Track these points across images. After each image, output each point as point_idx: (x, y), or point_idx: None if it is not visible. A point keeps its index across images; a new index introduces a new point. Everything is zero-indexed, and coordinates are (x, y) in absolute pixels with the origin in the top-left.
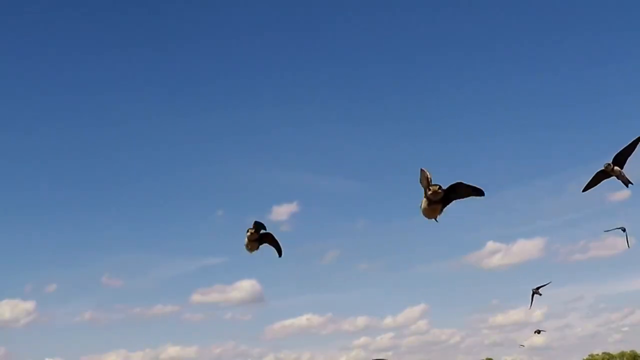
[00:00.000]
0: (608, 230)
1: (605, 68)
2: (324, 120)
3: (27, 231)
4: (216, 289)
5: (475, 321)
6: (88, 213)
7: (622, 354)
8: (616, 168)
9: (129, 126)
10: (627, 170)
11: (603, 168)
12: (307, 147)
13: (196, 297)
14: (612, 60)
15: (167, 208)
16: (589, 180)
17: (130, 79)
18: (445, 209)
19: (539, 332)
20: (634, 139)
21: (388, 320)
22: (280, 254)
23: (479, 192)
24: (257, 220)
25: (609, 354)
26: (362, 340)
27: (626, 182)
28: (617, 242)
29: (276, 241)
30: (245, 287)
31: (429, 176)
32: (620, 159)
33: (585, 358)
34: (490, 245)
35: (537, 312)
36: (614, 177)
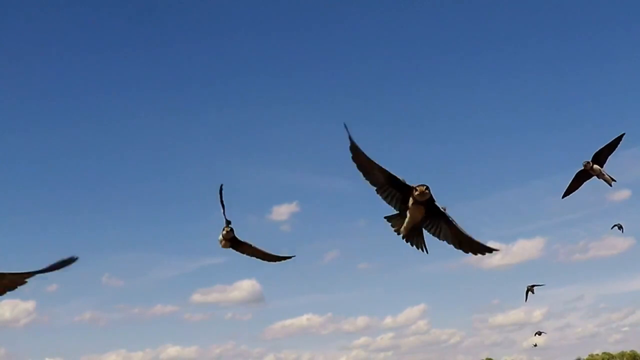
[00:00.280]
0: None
1: (606, 67)
2: (324, 120)
3: (28, 231)
4: (216, 289)
5: (475, 321)
6: (88, 213)
7: (622, 354)
8: (596, 166)
9: (129, 126)
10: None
11: (582, 167)
12: (307, 147)
13: (196, 297)
14: (612, 59)
15: (167, 208)
16: (568, 184)
17: (130, 79)
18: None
19: (539, 333)
20: (615, 137)
21: (388, 320)
22: (276, 258)
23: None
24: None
25: (609, 354)
26: (362, 340)
27: (609, 181)
28: (617, 242)
29: (258, 250)
30: (245, 287)
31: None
32: (600, 157)
33: (585, 358)
34: (490, 245)
35: (537, 312)
36: (595, 177)
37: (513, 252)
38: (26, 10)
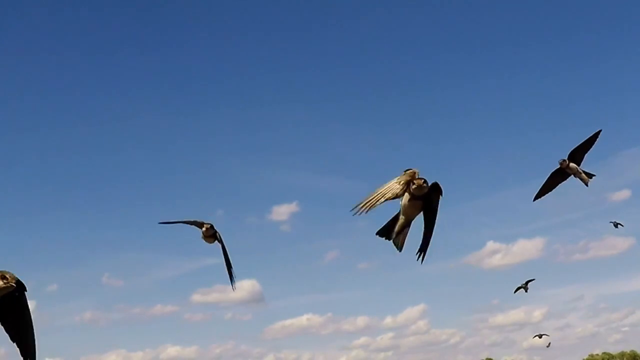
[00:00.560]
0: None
1: (607, 68)
2: (323, 120)
3: (27, 231)
4: (216, 289)
5: (475, 321)
6: (88, 213)
7: (622, 354)
8: (572, 165)
9: (129, 126)
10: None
11: (558, 166)
12: (307, 147)
13: (196, 297)
14: (613, 59)
15: (167, 208)
16: (542, 184)
17: (130, 79)
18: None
19: (540, 336)
20: (592, 134)
21: (388, 320)
22: (228, 269)
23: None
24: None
25: (609, 354)
26: (362, 340)
27: (585, 180)
28: (617, 242)
29: (226, 255)
30: (245, 287)
31: (415, 171)
32: (577, 155)
33: (585, 358)
34: (490, 245)
35: (537, 312)
36: (571, 177)
37: (513, 252)
38: (26, 10)
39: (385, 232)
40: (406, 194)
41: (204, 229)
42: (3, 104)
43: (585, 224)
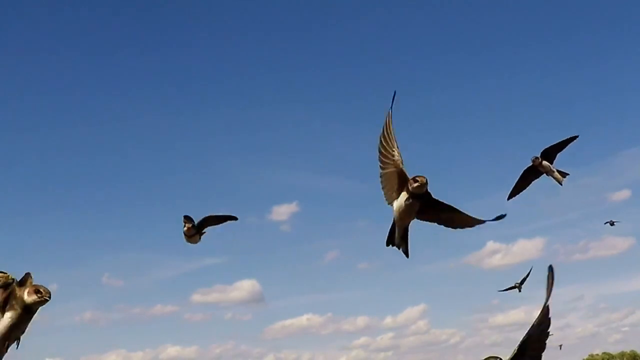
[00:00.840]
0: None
1: (606, 67)
2: (323, 120)
3: (27, 231)
4: (216, 289)
5: (475, 321)
6: (88, 213)
7: (622, 354)
8: (545, 163)
9: (128, 126)
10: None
11: (530, 163)
12: (307, 147)
13: (196, 297)
14: (612, 59)
15: (167, 208)
16: (515, 183)
17: (130, 78)
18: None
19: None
20: (568, 137)
21: (388, 320)
22: (230, 218)
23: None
24: (186, 215)
25: (609, 354)
26: (362, 340)
27: (559, 179)
28: (617, 242)
29: (218, 217)
30: (245, 287)
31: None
32: (550, 153)
33: (585, 358)
34: (490, 245)
35: (537, 312)
36: (545, 176)
37: (513, 252)
38: (26, 10)
39: (391, 239)
40: (403, 193)
41: (185, 228)
42: (3, 104)
43: (585, 224)
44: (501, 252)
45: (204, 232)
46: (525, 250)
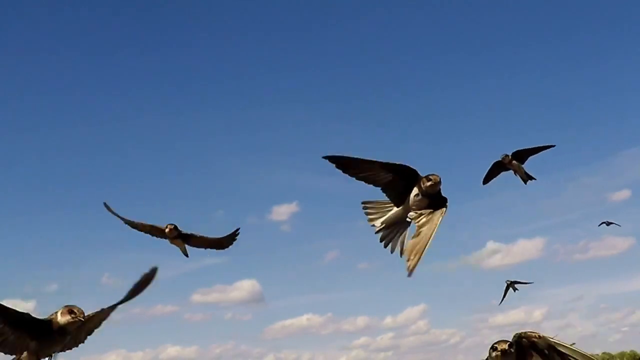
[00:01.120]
0: (602, 224)
1: (606, 67)
2: (324, 120)
3: (27, 231)
4: (216, 289)
5: (475, 321)
6: (88, 213)
7: (622, 354)
8: (515, 162)
9: (128, 125)
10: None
11: (500, 159)
12: (307, 147)
13: (196, 297)
14: (612, 59)
15: (167, 208)
16: (487, 172)
17: (129, 78)
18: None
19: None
20: (544, 145)
21: (388, 320)
22: (225, 241)
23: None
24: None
25: (609, 354)
26: (362, 340)
27: (524, 179)
28: (617, 242)
29: (206, 239)
30: (245, 287)
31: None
32: (522, 155)
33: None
34: (490, 245)
35: (537, 312)
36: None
37: (513, 252)
38: (26, 10)
39: (372, 208)
40: (415, 189)
41: (167, 229)
42: (3, 104)
43: (585, 224)
44: (501, 252)
45: (189, 239)
46: (525, 250)
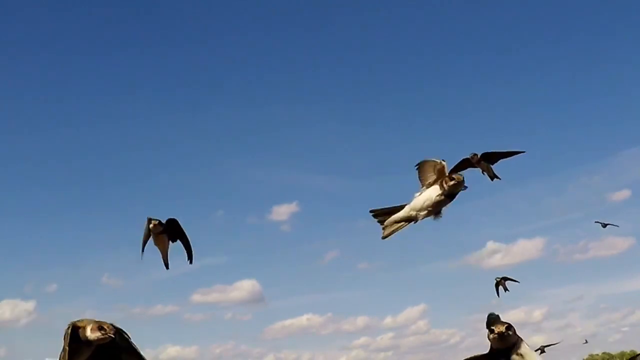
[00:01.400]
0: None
1: (606, 67)
2: (324, 120)
3: (27, 231)
4: (216, 289)
5: (475, 321)
6: (88, 213)
7: (622, 354)
8: (483, 163)
9: (128, 125)
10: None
11: (468, 157)
12: (307, 147)
13: (196, 297)
14: (612, 59)
15: (167, 208)
16: (454, 166)
17: (129, 78)
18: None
19: (543, 351)
20: (515, 150)
21: (388, 320)
22: (190, 259)
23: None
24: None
25: (609, 354)
26: (362, 340)
27: (491, 177)
28: (617, 242)
29: (188, 245)
30: (245, 287)
31: (444, 165)
32: (492, 156)
33: (585, 358)
34: (490, 245)
35: (537, 312)
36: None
37: (513, 252)
38: (26, 10)
39: (381, 214)
40: (437, 187)
41: (151, 225)
42: (3, 104)
43: (586, 224)
44: (501, 252)
45: (174, 238)
46: (525, 250)
